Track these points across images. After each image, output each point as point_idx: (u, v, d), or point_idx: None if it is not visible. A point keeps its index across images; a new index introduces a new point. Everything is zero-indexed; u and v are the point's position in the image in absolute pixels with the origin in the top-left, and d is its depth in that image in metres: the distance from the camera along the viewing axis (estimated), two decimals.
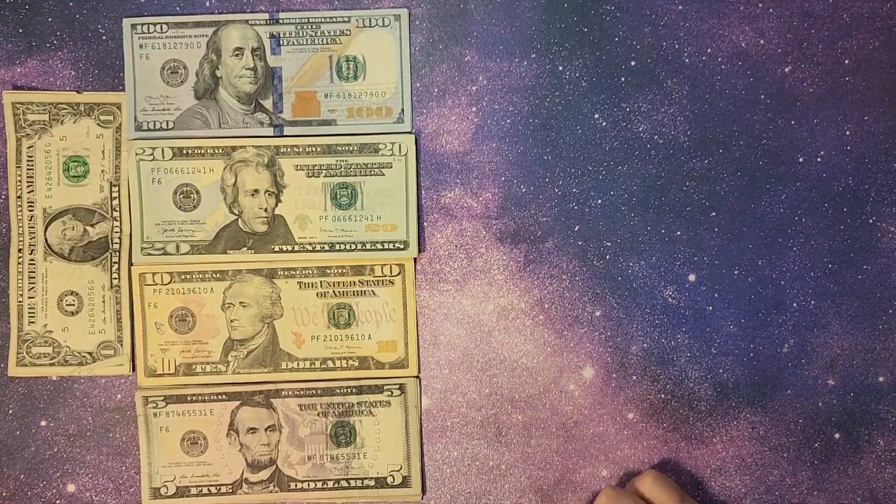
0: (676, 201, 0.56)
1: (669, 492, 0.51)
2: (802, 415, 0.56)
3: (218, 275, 0.56)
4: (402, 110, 0.56)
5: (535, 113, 0.56)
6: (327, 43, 0.56)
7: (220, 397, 0.56)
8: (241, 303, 0.56)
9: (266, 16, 0.56)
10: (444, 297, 0.56)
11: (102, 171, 0.56)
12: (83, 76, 0.56)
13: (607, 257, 0.56)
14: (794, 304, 0.56)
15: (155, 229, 0.56)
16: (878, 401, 0.56)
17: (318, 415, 0.56)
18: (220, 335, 0.56)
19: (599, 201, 0.56)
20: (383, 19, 0.56)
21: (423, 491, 0.57)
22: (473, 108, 0.56)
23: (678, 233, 0.56)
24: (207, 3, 0.56)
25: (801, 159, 0.56)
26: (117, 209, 0.56)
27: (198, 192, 0.56)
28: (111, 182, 0.56)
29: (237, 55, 0.56)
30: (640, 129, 0.56)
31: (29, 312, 0.56)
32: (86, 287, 0.56)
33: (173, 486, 0.56)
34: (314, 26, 0.55)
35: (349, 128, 0.56)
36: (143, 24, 0.55)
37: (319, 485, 0.56)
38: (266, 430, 0.56)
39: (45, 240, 0.56)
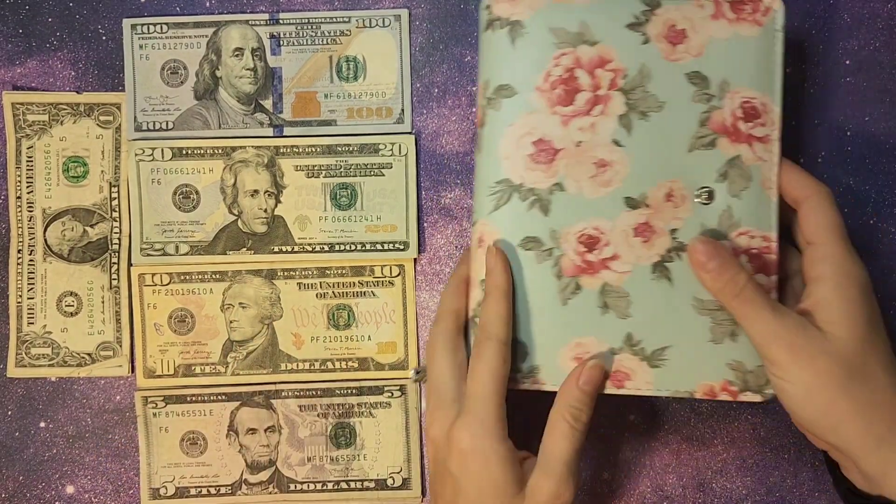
0: None
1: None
2: None
3: (217, 275, 0.56)
4: (402, 111, 0.56)
5: None
6: (327, 43, 0.56)
7: (219, 398, 0.56)
8: (240, 304, 0.56)
9: (266, 16, 0.56)
10: None
11: (102, 171, 0.56)
12: (83, 76, 0.56)
13: None
14: None
15: (154, 230, 0.56)
16: None
17: (318, 416, 0.56)
18: (220, 336, 0.56)
19: None
20: (383, 20, 0.56)
21: (423, 493, 0.56)
22: (474, 109, 0.56)
23: None
24: (207, 4, 0.56)
25: (801, 160, 0.56)
26: (117, 210, 0.56)
27: (197, 193, 0.56)
28: (111, 183, 0.56)
29: (237, 55, 0.56)
30: None
31: (28, 313, 0.56)
32: (85, 288, 0.56)
33: (172, 487, 0.56)
34: (314, 27, 0.55)
35: (349, 128, 0.56)
36: (143, 25, 0.55)
37: (319, 486, 0.56)
38: (266, 430, 0.56)
39: (45, 240, 0.56)
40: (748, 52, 0.48)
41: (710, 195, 0.48)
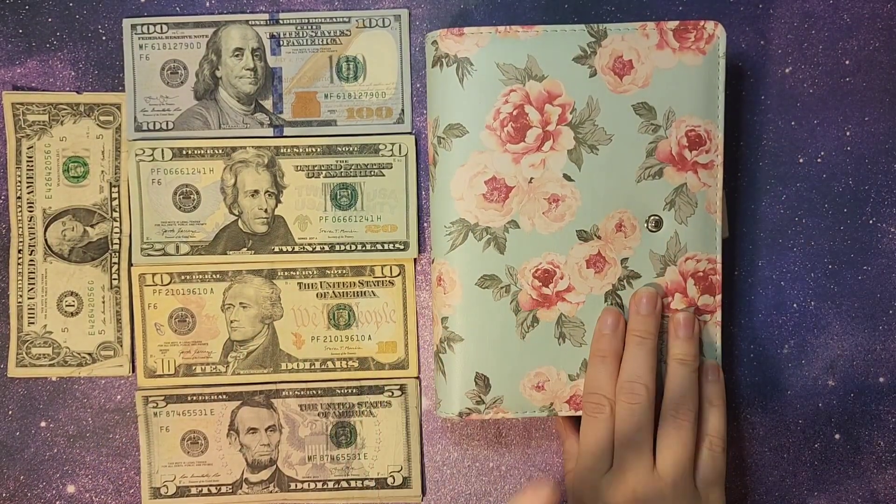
0: None
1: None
2: (802, 415, 0.56)
3: (218, 275, 0.56)
4: (403, 111, 0.56)
5: None
6: (327, 43, 0.56)
7: (220, 397, 0.56)
8: (240, 303, 0.56)
9: (266, 16, 0.55)
10: None
11: (102, 171, 0.56)
12: (83, 76, 0.56)
13: None
14: (794, 305, 0.56)
15: (155, 230, 0.56)
16: (878, 401, 0.56)
17: (319, 415, 0.56)
18: (220, 336, 0.56)
19: None
20: (383, 20, 0.56)
21: (423, 492, 0.57)
22: None
23: None
24: (207, 4, 0.56)
25: (801, 160, 0.56)
26: (117, 210, 0.56)
27: (198, 193, 0.56)
28: (111, 183, 0.56)
29: (237, 55, 0.56)
30: None
31: (29, 313, 0.56)
32: (85, 288, 0.56)
33: (173, 486, 0.56)
34: (314, 27, 0.55)
35: (349, 128, 0.56)
36: (143, 25, 0.55)
37: (319, 485, 0.56)
38: (266, 430, 0.56)
39: (45, 240, 0.56)
40: (693, 82, 0.49)
41: (658, 223, 0.49)
